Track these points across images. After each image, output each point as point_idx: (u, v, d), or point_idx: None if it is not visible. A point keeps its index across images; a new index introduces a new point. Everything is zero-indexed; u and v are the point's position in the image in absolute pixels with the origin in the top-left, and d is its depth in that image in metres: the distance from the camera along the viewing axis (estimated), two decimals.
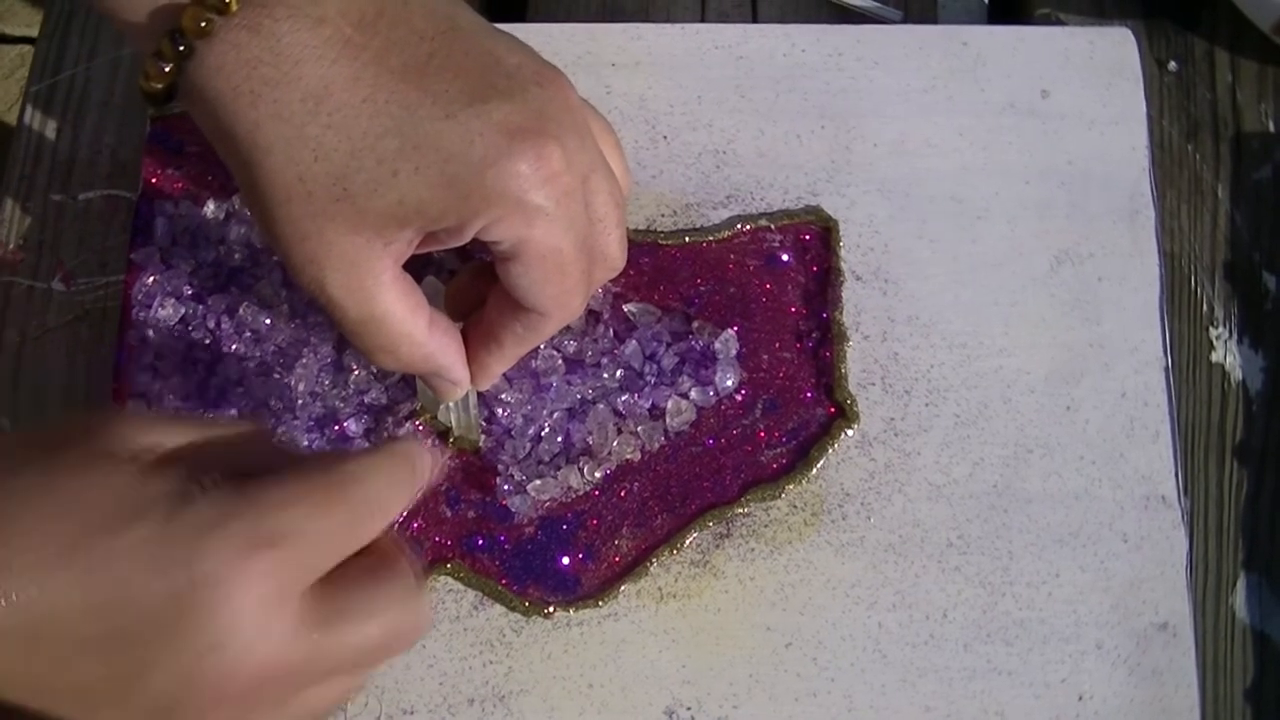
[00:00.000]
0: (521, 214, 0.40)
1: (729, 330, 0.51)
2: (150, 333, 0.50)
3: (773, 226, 0.53)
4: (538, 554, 0.49)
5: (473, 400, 0.49)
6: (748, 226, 0.53)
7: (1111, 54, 0.56)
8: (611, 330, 0.51)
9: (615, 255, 0.44)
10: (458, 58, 0.40)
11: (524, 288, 0.42)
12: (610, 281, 0.51)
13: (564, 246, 0.41)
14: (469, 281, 0.47)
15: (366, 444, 0.49)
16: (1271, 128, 0.57)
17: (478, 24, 0.42)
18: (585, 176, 0.41)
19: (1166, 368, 0.51)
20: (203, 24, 0.39)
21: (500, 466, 0.49)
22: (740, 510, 0.49)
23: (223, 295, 0.51)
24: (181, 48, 0.39)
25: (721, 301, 0.52)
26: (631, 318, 0.51)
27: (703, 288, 0.52)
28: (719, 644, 0.48)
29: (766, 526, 0.49)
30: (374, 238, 0.39)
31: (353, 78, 0.39)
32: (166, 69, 0.40)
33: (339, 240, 0.39)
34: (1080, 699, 0.47)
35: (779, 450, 0.50)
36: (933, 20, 0.61)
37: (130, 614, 0.32)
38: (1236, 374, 0.54)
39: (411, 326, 0.42)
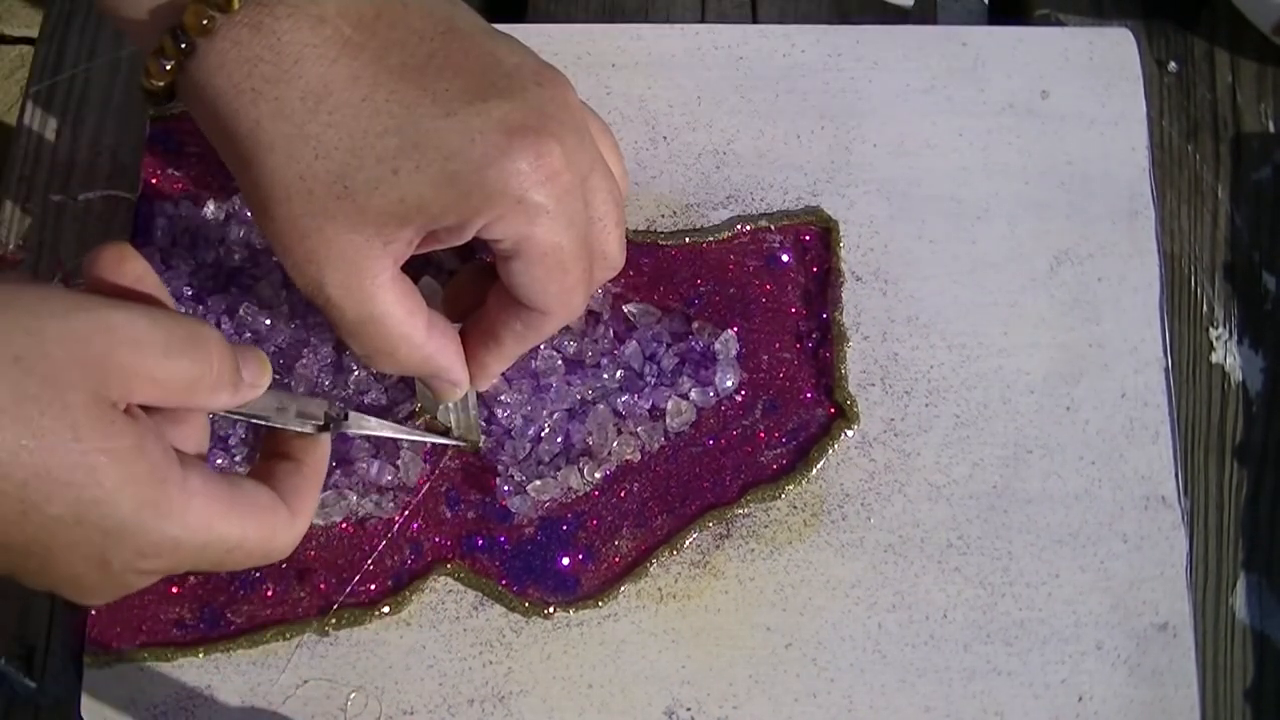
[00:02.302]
0: (522, 212, 0.40)
1: (729, 331, 0.51)
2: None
3: (773, 227, 0.53)
4: (537, 554, 0.49)
5: (472, 401, 0.49)
6: (748, 227, 0.53)
7: (1111, 54, 0.56)
8: (611, 331, 0.51)
9: (614, 254, 0.44)
10: (457, 57, 0.40)
11: (525, 286, 0.42)
12: (610, 282, 0.51)
13: (565, 244, 0.41)
14: (468, 281, 0.47)
15: (366, 445, 0.49)
16: (1271, 128, 0.57)
17: (477, 25, 0.42)
18: (585, 175, 0.41)
19: (1166, 368, 0.51)
20: (205, 21, 0.39)
21: (500, 467, 0.49)
22: (740, 511, 0.49)
23: (223, 296, 0.51)
24: (183, 45, 0.39)
25: (721, 302, 0.52)
26: (631, 318, 0.51)
27: (703, 288, 0.52)
28: (719, 644, 0.48)
29: (766, 527, 0.49)
30: (373, 237, 0.39)
31: (352, 76, 0.39)
32: (168, 66, 0.40)
33: (338, 239, 0.39)
34: (1080, 699, 0.47)
35: (779, 451, 0.50)
36: (933, 20, 0.61)
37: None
38: (1236, 374, 0.54)
39: (410, 328, 0.42)
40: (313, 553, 0.48)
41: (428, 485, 0.49)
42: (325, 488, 0.48)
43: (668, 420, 0.50)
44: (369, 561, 0.48)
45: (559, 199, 0.40)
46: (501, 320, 0.44)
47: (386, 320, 0.41)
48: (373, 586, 0.48)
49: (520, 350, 0.45)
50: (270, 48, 0.39)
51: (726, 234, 0.53)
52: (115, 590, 0.38)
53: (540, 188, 0.40)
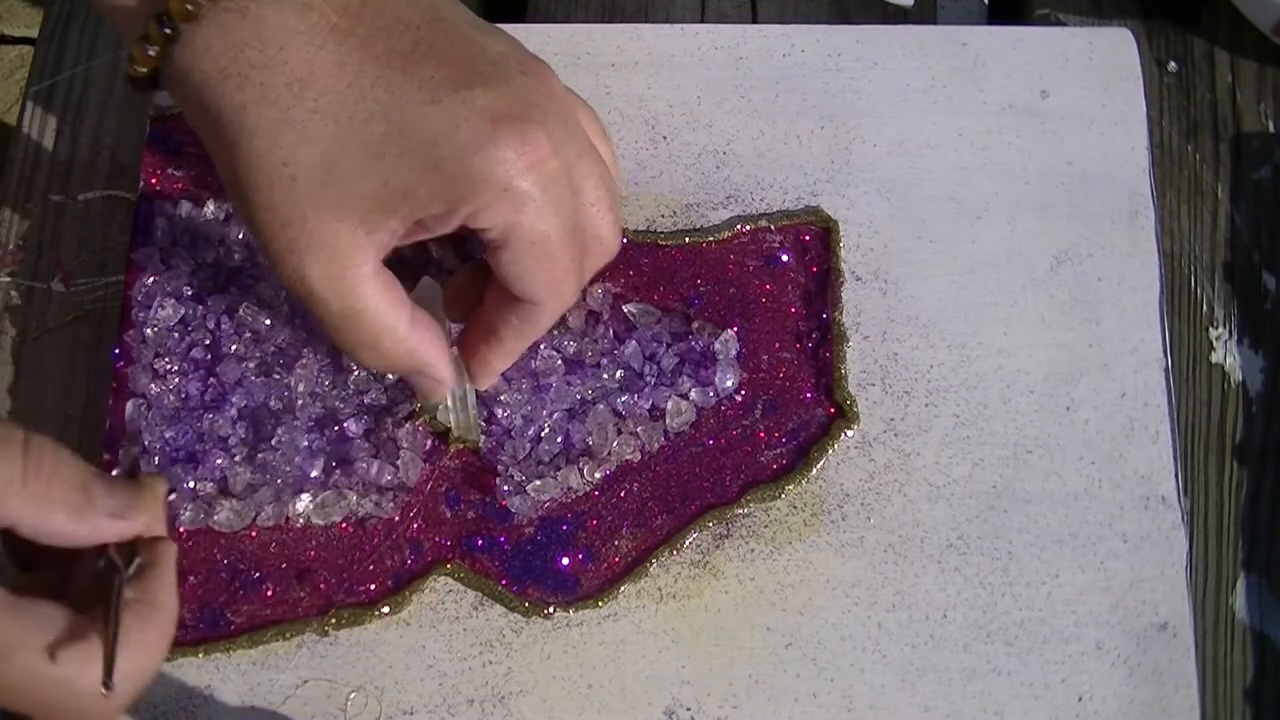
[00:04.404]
0: (508, 200, 0.40)
1: (729, 331, 0.51)
2: (150, 333, 0.50)
3: (773, 227, 0.53)
4: (537, 554, 0.49)
5: (472, 400, 0.49)
6: (748, 227, 0.53)
7: (1111, 54, 0.56)
8: (611, 331, 0.51)
9: (609, 238, 0.44)
10: (443, 46, 0.40)
11: (515, 276, 0.42)
12: (610, 282, 0.51)
13: (552, 232, 0.41)
14: (467, 281, 0.47)
15: (366, 445, 0.49)
16: (1271, 128, 0.57)
17: (462, 15, 0.42)
18: (572, 162, 0.41)
19: (1166, 368, 0.51)
20: (190, 6, 0.39)
21: (500, 467, 0.49)
22: (740, 510, 0.49)
23: (223, 296, 0.51)
24: (168, 30, 0.39)
25: (721, 302, 0.52)
26: (631, 318, 0.51)
27: (703, 288, 0.52)
28: (719, 644, 0.48)
29: (766, 527, 0.49)
30: (357, 226, 0.39)
31: (338, 63, 0.39)
32: (152, 53, 0.40)
33: (321, 228, 0.39)
34: (1080, 699, 0.47)
35: (779, 451, 0.50)
36: (932, 20, 0.61)
37: None
38: (1236, 374, 0.54)
39: (394, 321, 0.41)
40: (313, 553, 0.48)
41: (429, 485, 0.49)
42: (326, 487, 0.49)
43: (668, 420, 0.50)
44: (369, 561, 0.48)
45: (545, 186, 0.40)
46: (499, 315, 0.44)
47: (370, 312, 0.41)
48: (373, 586, 0.48)
49: (520, 345, 0.45)
50: (256, 33, 0.39)
51: (726, 234, 0.53)
52: None
53: (525, 175, 0.39)
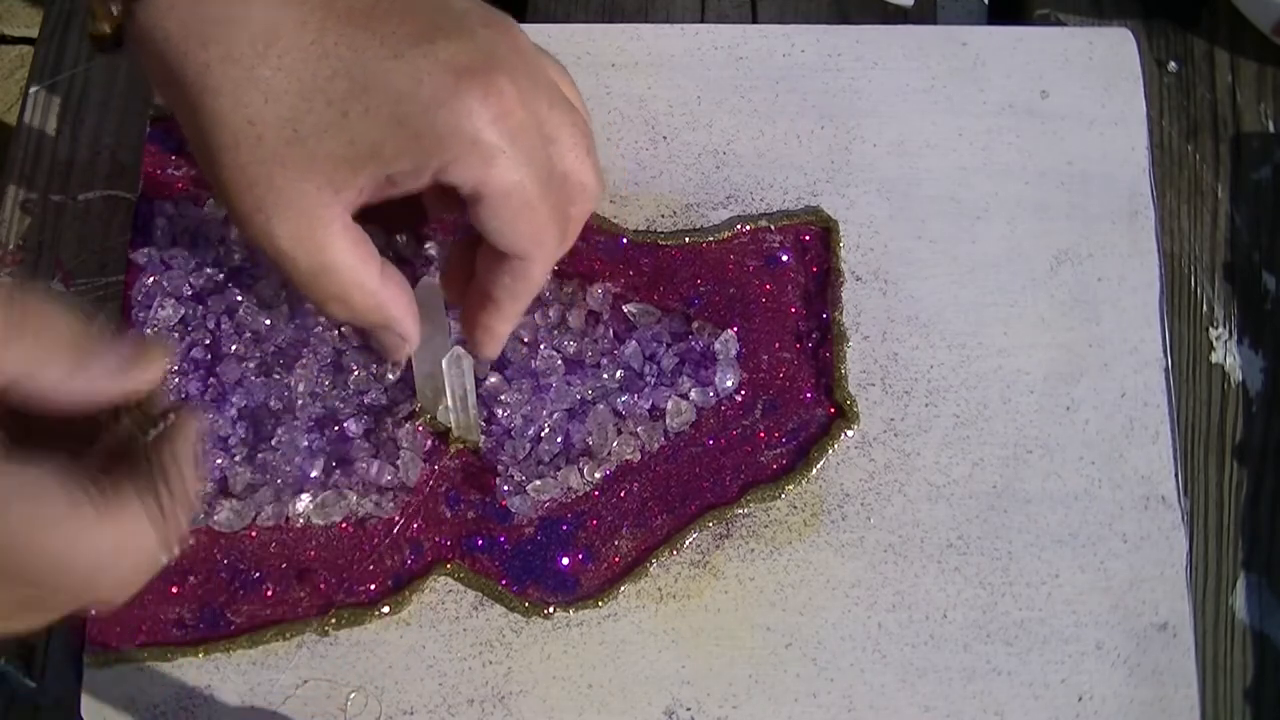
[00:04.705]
0: (477, 153, 0.39)
1: (729, 331, 0.51)
2: (150, 333, 0.50)
3: (773, 227, 0.53)
4: (537, 554, 0.49)
5: (472, 400, 0.49)
6: (748, 227, 0.53)
7: (1111, 54, 0.56)
8: (611, 331, 0.51)
9: (592, 183, 0.44)
10: (405, 1, 0.40)
11: (496, 230, 0.41)
12: (610, 282, 0.51)
13: (525, 182, 0.40)
14: (460, 257, 0.46)
15: (366, 445, 0.49)
16: (1271, 128, 0.57)
17: None
18: (544, 114, 0.41)
19: (1166, 368, 0.51)
20: None
21: (500, 467, 0.49)
22: (740, 510, 0.49)
23: (222, 296, 0.51)
24: None
25: (721, 302, 0.52)
26: (631, 318, 0.51)
27: (703, 288, 0.52)
28: (719, 644, 0.48)
29: (766, 527, 0.49)
30: (324, 185, 0.39)
31: (300, 20, 0.39)
32: (115, 10, 0.40)
33: (289, 187, 0.39)
34: (1080, 699, 0.47)
35: (779, 451, 0.50)
36: (932, 20, 0.61)
37: None
38: (1236, 374, 0.54)
39: (363, 275, 0.41)
40: (313, 553, 0.48)
41: (429, 485, 0.49)
42: (326, 487, 0.49)
43: (668, 420, 0.50)
44: (369, 561, 0.48)
45: (513, 137, 0.40)
46: (490, 278, 0.44)
47: (340, 267, 0.41)
48: (373, 586, 0.48)
49: (517, 306, 0.45)
50: None
51: (726, 234, 0.53)
52: None
53: (492, 126, 0.39)
